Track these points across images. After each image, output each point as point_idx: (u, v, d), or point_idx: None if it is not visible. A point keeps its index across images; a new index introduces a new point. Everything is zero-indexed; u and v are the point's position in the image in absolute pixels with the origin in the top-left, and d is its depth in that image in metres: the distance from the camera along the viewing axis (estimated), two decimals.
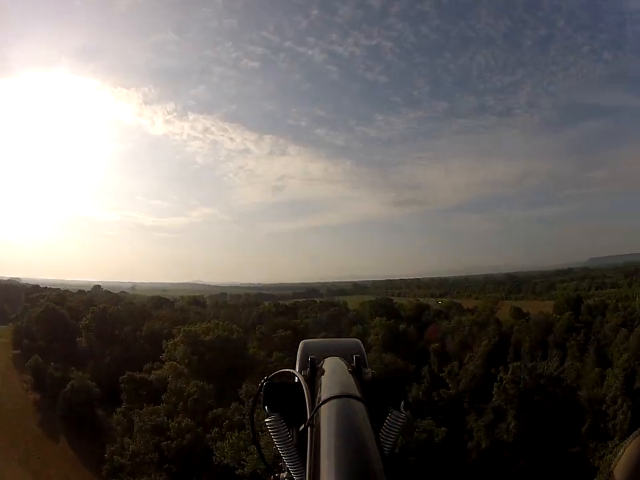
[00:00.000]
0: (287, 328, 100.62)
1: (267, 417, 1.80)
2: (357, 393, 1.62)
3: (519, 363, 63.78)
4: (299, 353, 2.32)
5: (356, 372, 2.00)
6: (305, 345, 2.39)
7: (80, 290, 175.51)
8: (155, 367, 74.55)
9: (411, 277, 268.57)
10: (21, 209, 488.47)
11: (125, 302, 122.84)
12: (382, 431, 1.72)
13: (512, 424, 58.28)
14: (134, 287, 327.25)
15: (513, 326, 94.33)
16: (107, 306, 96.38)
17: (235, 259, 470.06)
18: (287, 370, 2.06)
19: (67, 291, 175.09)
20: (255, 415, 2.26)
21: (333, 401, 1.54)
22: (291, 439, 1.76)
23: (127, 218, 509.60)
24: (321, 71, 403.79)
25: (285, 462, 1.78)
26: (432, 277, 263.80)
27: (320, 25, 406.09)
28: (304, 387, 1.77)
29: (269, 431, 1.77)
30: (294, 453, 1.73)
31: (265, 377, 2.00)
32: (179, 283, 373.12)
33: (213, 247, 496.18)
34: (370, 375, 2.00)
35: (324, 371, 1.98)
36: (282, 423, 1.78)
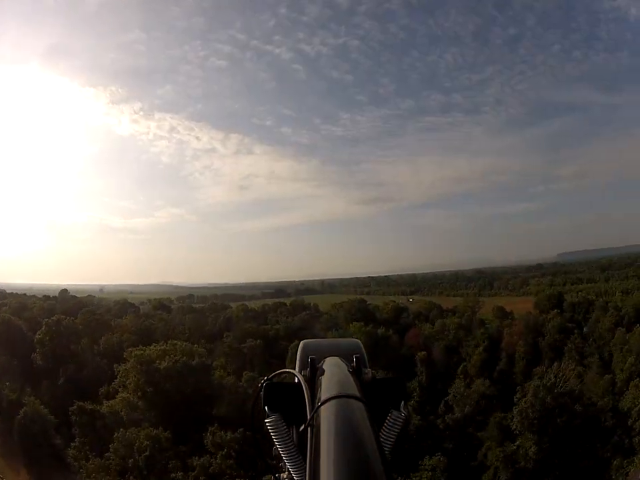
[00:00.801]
0: (256, 336, 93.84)
1: (267, 417, 1.81)
2: (357, 393, 1.63)
3: (538, 383, 58.18)
4: (299, 353, 2.33)
5: (356, 372, 2.03)
6: (305, 345, 2.40)
7: (45, 295, 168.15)
8: (110, 390, 65.52)
9: (380, 275, 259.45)
10: None
11: (84, 311, 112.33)
12: (382, 431, 1.73)
13: (532, 449, 53.16)
14: (102, 289, 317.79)
15: (501, 329, 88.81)
16: (61, 318, 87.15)
17: (202, 259, 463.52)
18: (287, 370, 2.09)
19: (33, 296, 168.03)
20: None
21: (333, 401, 1.55)
22: (291, 439, 1.77)
23: (94, 219, 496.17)
24: (287, 70, 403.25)
25: (285, 462, 1.78)
26: (400, 273, 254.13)
27: (287, 23, 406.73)
28: (304, 387, 1.80)
29: (269, 431, 1.78)
30: (294, 453, 1.74)
31: (265, 377, 2.02)
32: (146, 285, 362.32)
33: (179, 247, 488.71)
34: (370, 375, 2.03)
35: (324, 371, 2.01)
36: (282, 423, 1.79)
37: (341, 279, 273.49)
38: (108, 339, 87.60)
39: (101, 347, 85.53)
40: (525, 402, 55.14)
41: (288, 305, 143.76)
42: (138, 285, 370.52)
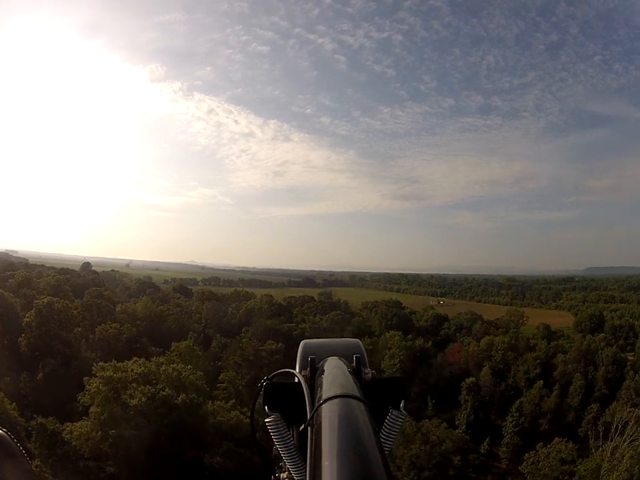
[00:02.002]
0: (278, 335, 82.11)
1: (267, 416, 1.81)
2: (357, 393, 1.62)
3: None
4: (299, 352, 2.32)
5: (356, 372, 2.02)
6: (305, 344, 2.39)
7: (64, 268, 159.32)
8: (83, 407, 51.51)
9: (410, 272, 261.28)
10: (23, 181, 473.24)
11: (91, 291, 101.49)
12: (382, 430, 1.72)
13: None
14: (129, 264, 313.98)
15: (551, 353, 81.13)
16: (53, 301, 74.89)
17: (231, 242, 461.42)
18: (287, 370, 2.09)
19: (52, 267, 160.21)
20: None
21: (333, 401, 1.54)
22: (291, 439, 1.77)
23: (127, 195, 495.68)
24: (329, 60, 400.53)
25: (285, 462, 1.79)
26: (430, 273, 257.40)
27: (331, 14, 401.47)
28: (304, 386, 1.80)
29: (269, 430, 1.78)
30: (294, 453, 1.74)
31: (265, 377, 2.02)
32: (174, 263, 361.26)
33: (210, 228, 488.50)
34: (370, 374, 2.02)
35: (324, 371, 2.00)
36: (282, 422, 1.79)
37: (371, 273, 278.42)
38: (104, 328, 75.92)
39: (96, 337, 74.16)
40: None
41: (316, 299, 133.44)
42: (165, 263, 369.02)
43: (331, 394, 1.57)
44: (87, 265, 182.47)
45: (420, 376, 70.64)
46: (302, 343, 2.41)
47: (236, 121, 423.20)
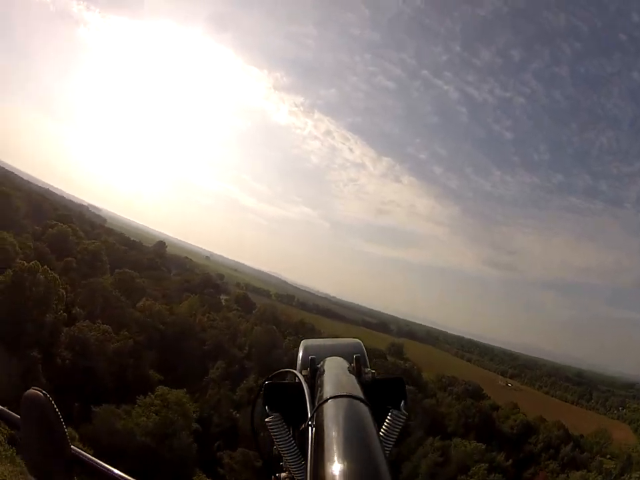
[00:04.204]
0: None
1: (268, 416, 1.76)
2: (358, 393, 1.58)
3: None
4: (299, 352, 2.24)
5: (356, 372, 1.94)
6: (305, 344, 2.30)
7: (134, 240, 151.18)
8: None
9: (484, 342, 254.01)
10: (129, 151, 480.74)
11: (124, 273, 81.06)
12: (382, 430, 1.66)
13: None
14: (209, 256, 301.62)
15: None
16: (33, 266, 53.30)
17: (317, 265, 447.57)
18: (288, 370, 2.01)
19: (120, 234, 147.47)
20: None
21: (334, 401, 1.51)
22: (291, 439, 1.73)
23: (226, 191, 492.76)
24: (452, 110, 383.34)
25: (285, 462, 1.75)
26: (504, 347, 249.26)
27: (459, 62, 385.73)
28: (304, 386, 1.74)
29: (270, 430, 1.74)
30: (295, 452, 1.70)
31: (266, 377, 1.97)
32: (254, 269, 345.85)
33: (300, 246, 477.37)
34: (370, 375, 1.94)
35: (324, 371, 1.94)
36: (282, 422, 1.74)
37: (446, 332, 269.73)
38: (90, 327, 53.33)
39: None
40: None
41: (387, 355, 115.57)
42: (247, 266, 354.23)
43: (332, 394, 1.54)
44: (160, 244, 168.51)
45: None
46: (302, 342, 2.28)
47: (351, 149, 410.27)
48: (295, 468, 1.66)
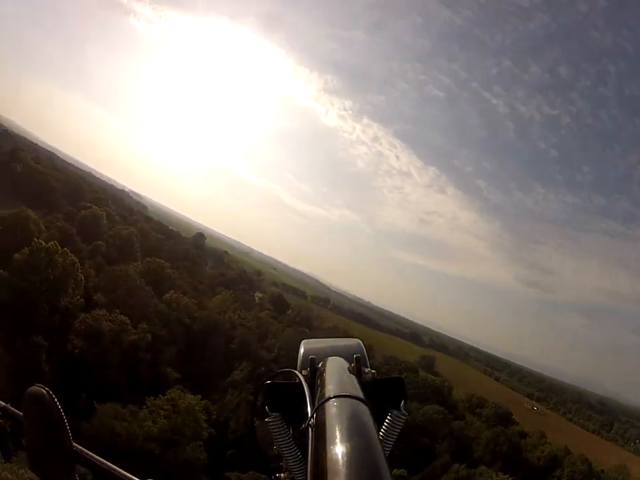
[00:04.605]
0: None
1: (268, 416, 1.75)
2: (358, 393, 1.57)
3: None
4: (299, 352, 2.17)
5: (356, 372, 1.90)
6: (305, 344, 2.23)
7: (172, 230, 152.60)
8: None
9: (513, 362, 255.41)
10: (176, 142, 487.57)
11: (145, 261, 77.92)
12: (382, 430, 1.66)
13: None
14: (249, 253, 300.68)
15: None
16: (51, 247, 49.95)
17: (355, 269, 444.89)
18: (288, 370, 1.98)
19: (158, 222, 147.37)
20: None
21: (334, 401, 1.50)
22: (291, 439, 1.72)
23: (270, 188, 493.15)
24: (500, 124, 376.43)
25: (285, 462, 1.74)
26: (530, 369, 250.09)
27: (509, 77, 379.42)
28: (304, 386, 1.74)
29: (270, 430, 1.73)
30: (295, 452, 1.69)
31: (266, 377, 1.96)
32: (293, 269, 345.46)
33: (341, 248, 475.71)
34: (370, 375, 1.91)
35: (324, 371, 1.91)
36: (282, 422, 1.73)
37: (476, 348, 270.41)
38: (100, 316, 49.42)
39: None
40: None
41: (418, 368, 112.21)
42: (285, 265, 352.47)
43: (332, 394, 1.52)
44: (199, 236, 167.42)
45: None
46: (302, 342, 2.20)
47: (397, 157, 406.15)
48: (295, 468, 1.66)
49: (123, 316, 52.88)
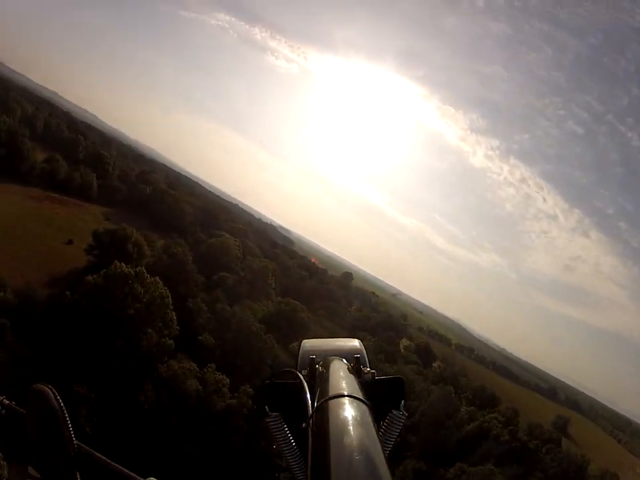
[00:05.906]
0: None
1: (268, 416, 1.75)
2: (357, 393, 1.57)
3: None
4: (299, 352, 2.20)
5: (356, 372, 1.93)
6: (305, 344, 2.27)
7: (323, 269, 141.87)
8: None
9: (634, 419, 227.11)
10: (323, 179, 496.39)
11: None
12: (382, 430, 1.68)
13: None
14: (396, 295, 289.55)
15: None
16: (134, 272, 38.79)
17: (499, 315, 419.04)
18: (288, 369, 1.97)
19: (305, 258, 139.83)
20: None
21: (334, 401, 1.50)
22: (291, 439, 1.72)
23: (419, 230, 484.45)
24: (634, 159, 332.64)
25: (285, 461, 1.73)
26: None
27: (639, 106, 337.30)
28: (304, 386, 1.73)
29: (270, 430, 1.73)
30: (295, 452, 1.69)
31: (266, 377, 1.97)
32: (439, 313, 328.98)
33: (485, 294, 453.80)
34: (370, 374, 1.92)
35: (324, 371, 1.93)
36: (282, 422, 1.74)
37: (604, 405, 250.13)
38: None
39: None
40: None
41: (561, 444, 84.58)
42: (431, 309, 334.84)
43: (332, 394, 1.52)
44: (347, 275, 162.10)
45: None
46: (302, 342, 2.23)
47: (544, 199, 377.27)
48: (295, 468, 1.64)
49: (219, 374, 40.74)
